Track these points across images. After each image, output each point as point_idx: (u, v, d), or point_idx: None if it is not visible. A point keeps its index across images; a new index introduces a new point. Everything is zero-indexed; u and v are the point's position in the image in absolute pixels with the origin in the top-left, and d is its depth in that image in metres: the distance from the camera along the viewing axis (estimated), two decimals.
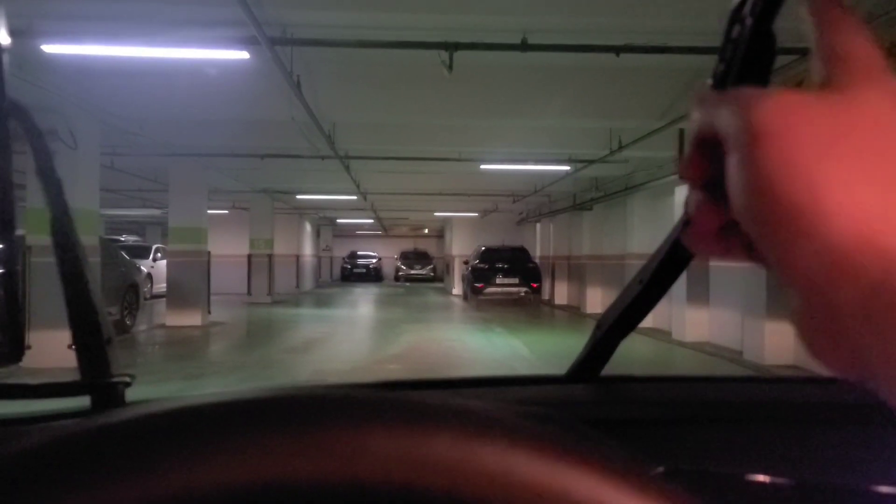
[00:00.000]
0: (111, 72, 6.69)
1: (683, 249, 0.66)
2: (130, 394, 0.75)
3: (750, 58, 0.55)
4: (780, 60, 3.73)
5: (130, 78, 6.87)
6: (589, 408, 0.82)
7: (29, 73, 6.28)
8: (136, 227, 25.66)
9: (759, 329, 8.15)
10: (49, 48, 5.33)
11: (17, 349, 0.75)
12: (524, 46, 5.60)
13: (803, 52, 5.42)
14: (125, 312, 10.84)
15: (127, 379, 0.74)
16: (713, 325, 10.10)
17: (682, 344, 10.10)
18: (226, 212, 20.34)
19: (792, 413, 0.82)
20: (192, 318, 12.05)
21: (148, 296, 16.13)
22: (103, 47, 5.44)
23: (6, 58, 0.56)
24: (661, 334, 10.73)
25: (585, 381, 0.86)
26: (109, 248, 10.75)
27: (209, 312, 12.71)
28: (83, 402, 0.74)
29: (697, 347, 9.72)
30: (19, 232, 7.29)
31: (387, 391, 0.82)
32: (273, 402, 0.28)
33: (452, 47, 5.58)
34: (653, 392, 0.90)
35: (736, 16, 0.54)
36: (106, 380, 0.73)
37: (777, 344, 8.01)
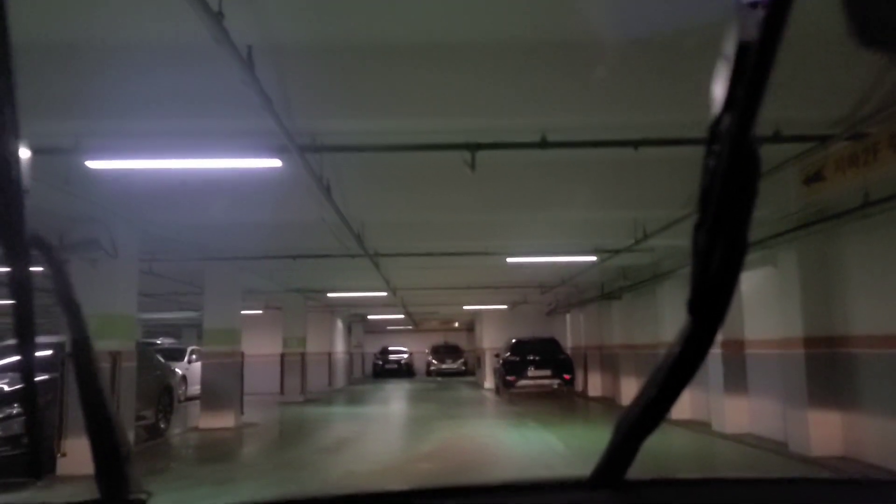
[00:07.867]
0: (150, 182, 7.03)
1: (698, 343, 0.62)
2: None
3: (732, 172, 0.56)
4: (798, 148, 3.83)
5: (168, 187, 7.19)
6: None
7: (74, 187, 6.63)
8: (173, 329, 26.01)
9: (803, 419, 7.84)
10: (92, 164, 5.63)
11: (37, 465, 0.75)
12: (543, 144, 5.75)
13: (822, 139, 5.51)
14: (159, 416, 10.88)
15: (143, 496, 0.75)
16: (754, 415, 9.73)
17: (722, 436, 9.73)
18: (259, 312, 20.61)
19: None
20: (225, 420, 12.03)
21: (182, 398, 16.17)
22: (143, 161, 5.72)
23: (27, 199, 0.58)
24: (700, 426, 10.39)
25: (609, 486, 0.79)
26: (145, 352, 10.92)
27: (242, 413, 12.68)
28: None
29: (739, 439, 9.35)
30: (58, 338, 7.48)
31: (412, 499, 0.82)
32: None
33: (474, 148, 5.77)
34: (684, 497, 0.83)
35: (714, 130, 0.56)
36: (123, 497, 0.73)
37: (824, 434, 7.67)
